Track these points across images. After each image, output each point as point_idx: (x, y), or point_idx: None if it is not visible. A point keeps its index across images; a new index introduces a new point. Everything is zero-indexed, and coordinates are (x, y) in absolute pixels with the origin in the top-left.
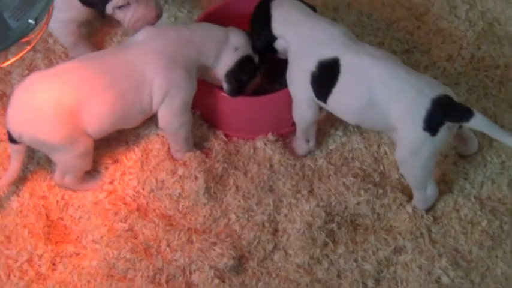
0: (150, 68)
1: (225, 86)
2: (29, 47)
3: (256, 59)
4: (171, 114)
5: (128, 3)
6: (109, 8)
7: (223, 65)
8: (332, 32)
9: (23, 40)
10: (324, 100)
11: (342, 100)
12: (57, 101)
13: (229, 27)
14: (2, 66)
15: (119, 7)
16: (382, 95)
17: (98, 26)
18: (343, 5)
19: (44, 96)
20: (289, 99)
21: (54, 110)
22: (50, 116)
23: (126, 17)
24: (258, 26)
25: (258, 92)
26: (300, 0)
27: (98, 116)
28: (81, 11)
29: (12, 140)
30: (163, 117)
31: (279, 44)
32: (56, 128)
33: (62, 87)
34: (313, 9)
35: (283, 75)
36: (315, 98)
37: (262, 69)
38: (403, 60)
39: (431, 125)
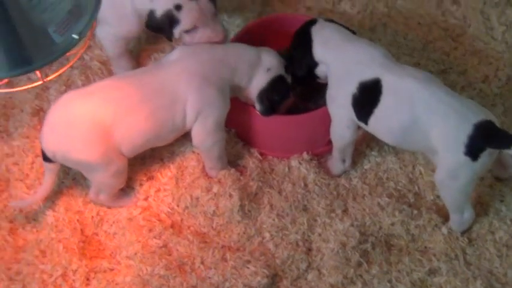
0: (183, 86)
1: (257, 105)
2: (72, 61)
3: (289, 79)
4: (205, 133)
5: (196, 27)
6: (176, 32)
7: (255, 85)
8: (372, 53)
9: (68, 54)
10: (365, 121)
11: (384, 121)
12: (91, 120)
13: (262, 47)
14: (45, 80)
15: (187, 31)
16: (424, 117)
17: (138, 42)
18: (379, 25)
19: (78, 115)
20: (323, 119)
21: (88, 129)
22: (83, 136)
23: (193, 40)
24: (299, 54)
25: (292, 111)
26: (339, 23)
27: (131, 135)
28: (132, 29)
29: (46, 158)
30: (196, 135)
31: (320, 70)
32: (89, 148)
33: (96, 107)
34: (353, 32)
35: (318, 95)
36: (355, 119)
37: (297, 89)
38: None
39: (473, 150)
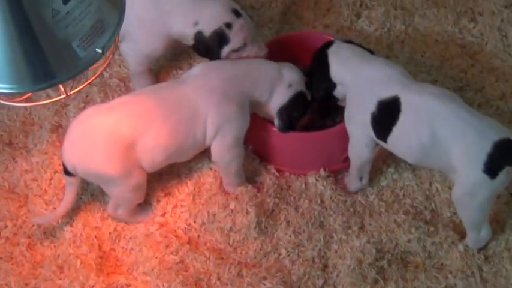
0: (203, 102)
1: (276, 121)
2: (96, 74)
3: (309, 95)
4: (224, 148)
5: (245, 45)
6: (225, 52)
7: (276, 100)
8: (389, 72)
9: (91, 68)
10: (384, 139)
11: (403, 139)
12: (112, 134)
13: (283, 63)
14: (69, 94)
15: (235, 50)
16: (444, 134)
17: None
18: (397, 42)
19: (99, 129)
20: (340, 136)
21: (108, 143)
22: (104, 150)
23: (241, 57)
24: (317, 77)
25: (309, 127)
26: (356, 43)
27: (152, 150)
28: (158, 48)
29: (66, 172)
30: (216, 151)
31: (338, 91)
32: (110, 162)
33: (117, 121)
34: (370, 51)
35: (335, 112)
36: (374, 138)
37: (314, 106)
38: None
39: (492, 168)
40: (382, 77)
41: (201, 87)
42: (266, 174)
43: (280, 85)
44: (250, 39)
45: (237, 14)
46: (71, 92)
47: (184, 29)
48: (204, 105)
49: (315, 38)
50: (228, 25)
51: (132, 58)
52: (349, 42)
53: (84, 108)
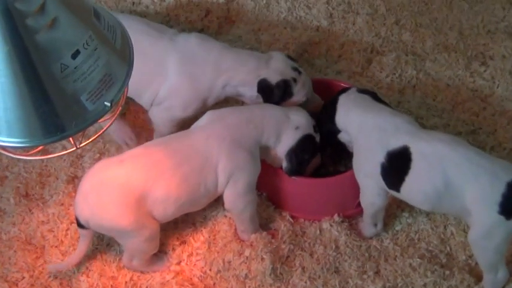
0: (213, 151)
1: (285, 164)
2: (105, 128)
3: (318, 138)
4: (236, 195)
5: (307, 100)
6: (292, 103)
7: (284, 144)
8: (396, 121)
9: (100, 121)
10: (397, 189)
11: (417, 187)
12: (123, 187)
13: (291, 106)
14: (79, 147)
15: (299, 104)
16: (457, 179)
17: None
18: (408, 88)
19: (110, 182)
20: (353, 181)
21: (120, 196)
22: (116, 203)
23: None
24: (323, 118)
25: (322, 173)
26: (373, 93)
27: (163, 201)
28: (195, 109)
29: (80, 225)
30: (228, 199)
31: (342, 137)
32: (122, 215)
33: (129, 174)
34: (385, 103)
35: (348, 157)
36: (385, 188)
37: (327, 151)
38: (468, 141)
39: (507, 208)
40: (389, 127)
41: (210, 136)
42: (280, 221)
43: (287, 128)
44: (310, 95)
45: (298, 71)
46: (81, 145)
47: (244, 84)
48: (214, 153)
49: (328, 85)
50: (294, 80)
51: (166, 122)
52: (366, 92)
53: (99, 158)
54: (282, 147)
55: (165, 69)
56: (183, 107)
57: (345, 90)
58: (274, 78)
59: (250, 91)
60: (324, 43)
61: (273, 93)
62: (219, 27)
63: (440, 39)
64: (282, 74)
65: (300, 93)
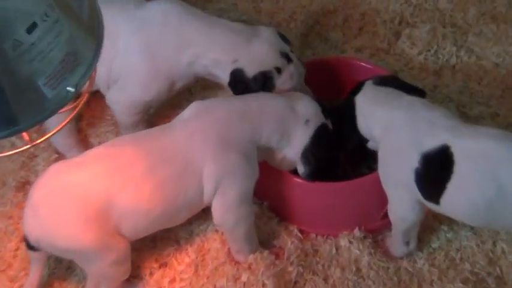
0: (197, 152)
1: (301, 168)
2: (66, 119)
3: (330, 125)
4: (226, 208)
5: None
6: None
7: (295, 143)
8: (429, 117)
9: (61, 111)
10: (436, 200)
11: (462, 196)
12: (83, 197)
13: (293, 93)
14: (34, 144)
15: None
16: (511, 183)
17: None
18: (446, 68)
19: (66, 191)
20: (378, 186)
21: (78, 209)
22: (73, 217)
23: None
24: (346, 128)
25: (339, 175)
26: (399, 81)
27: (132, 214)
28: (163, 91)
29: (30, 246)
30: (217, 212)
31: (372, 145)
32: (81, 233)
33: (89, 180)
34: (421, 91)
35: (372, 156)
36: (421, 199)
37: (346, 149)
38: None
39: None
40: (421, 124)
41: (194, 134)
42: (287, 237)
43: (295, 124)
44: (299, 88)
45: (288, 58)
46: (36, 142)
47: (216, 65)
48: (198, 155)
49: (345, 64)
50: (278, 70)
51: (125, 109)
52: (387, 81)
53: (57, 160)
54: (294, 148)
55: (116, 41)
56: (141, 86)
57: (358, 87)
58: (251, 69)
59: (223, 75)
60: (341, 12)
61: (247, 88)
62: None
63: (486, 7)
64: (263, 62)
65: (284, 85)
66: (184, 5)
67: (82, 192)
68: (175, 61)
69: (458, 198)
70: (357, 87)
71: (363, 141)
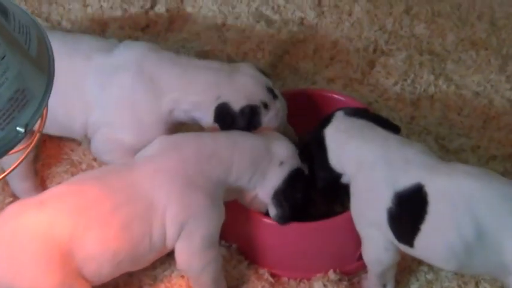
0: (160, 191)
1: (272, 211)
2: (17, 162)
3: (306, 169)
4: (191, 253)
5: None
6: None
7: (267, 184)
8: (405, 152)
9: (11, 152)
10: (410, 243)
11: (438, 239)
12: (43, 239)
13: (268, 132)
14: None
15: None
16: (492, 225)
17: None
18: (424, 98)
19: (26, 233)
20: (353, 225)
21: (40, 251)
22: (33, 260)
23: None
24: (316, 165)
25: (312, 214)
26: (371, 114)
27: (96, 257)
28: (152, 137)
29: None
30: (181, 257)
31: (346, 179)
32: (41, 276)
33: (50, 221)
34: (395, 127)
35: (346, 193)
36: (395, 241)
37: (318, 187)
38: (505, 168)
39: None
40: (395, 160)
41: (158, 171)
42: (257, 281)
43: (268, 165)
44: (283, 126)
45: (274, 94)
46: None
47: (197, 108)
48: (162, 196)
49: (316, 96)
50: (265, 105)
51: (112, 154)
52: (358, 113)
53: (11, 203)
54: (265, 188)
55: (83, 93)
56: (127, 134)
57: (327, 119)
58: (237, 103)
59: (206, 116)
60: (311, 41)
61: (234, 123)
62: (169, 22)
63: (465, 33)
64: (250, 96)
65: (270, 123)
66: (154, 48)
67: (44, 233)
68: (156, 110)
69: (433, 240)
70: (326, 120)
71: (335, 177)
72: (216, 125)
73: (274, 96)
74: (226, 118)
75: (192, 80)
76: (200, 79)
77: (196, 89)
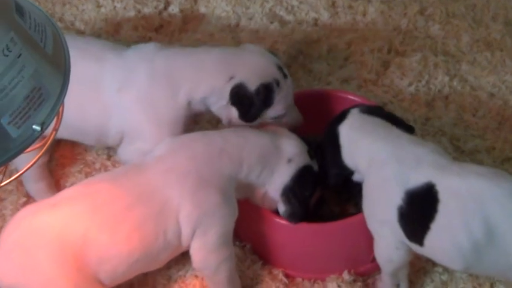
0: (174, 190)
1: (282, 208)
2: (34, 159)
3: (315, 166)
4: (206, 250)
5: (285, 113)
6: (266, 118)
7: (276, 181)
8: (417, 151)
9: (27, 151)
10: (420, 241)
11: (447, 238)
12: (56, 242)
13: (278, 129)
14: (1, 185)
15: (275, 117)
16: (502, 225)
17: None
18: (438, 99)
19: (38, 236)
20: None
21: (53, 254)
22: (47, 263)
23: (280, 125)
24: (328, 161)
25: (326, 215)
26: (384, 112)
27: (111, 258)
28: (171, 134)
29: None
30: (196, 255)
31: (357, 177)
32: (56, 279)
33: (63, 223)
34: (409, 127)
35: (359, 195)
36: (405, 239)
37: (331, 184)
38: None
39: None
40: (407, 159)
41: (170, 171)
42: (271, 281)
43: (277, 162)
44: (291, 106)
45: (284, 73)
46: (2, 184)
47: (212, 93)
48: (175, 195)
49: (330, 97)
50: (277, 83)
51: (133, 158)
52: (373, 111)
53: (26, 203)
54: (274, 185)
55: (100, 95)
56: (147, 138)
57: (342, 116)
58: (252, 82)
59: (221, 100)
60: (325, 41)
61: (252, 104)
62: (183, 23)
63: (480, 34)
64: (262, 73)
65: (279, 103)
66: (162, 46)
67: (57, 235)
68: (175, 106)
69: (442, 239)
70: (341, 116)
71: (348, 174)
72: (228, 107)
73: (285, 75)
74: (244, 100)
75: (203, 64)
76: (210, 61)
77: (208, 72)
